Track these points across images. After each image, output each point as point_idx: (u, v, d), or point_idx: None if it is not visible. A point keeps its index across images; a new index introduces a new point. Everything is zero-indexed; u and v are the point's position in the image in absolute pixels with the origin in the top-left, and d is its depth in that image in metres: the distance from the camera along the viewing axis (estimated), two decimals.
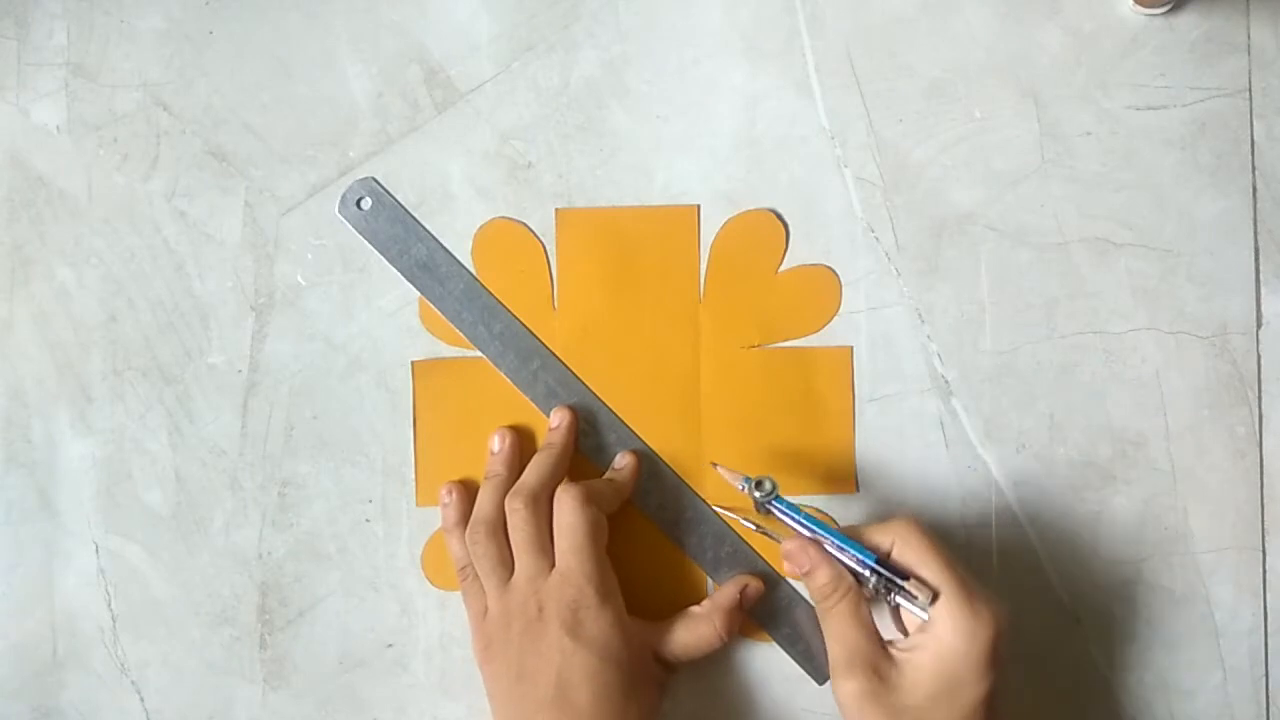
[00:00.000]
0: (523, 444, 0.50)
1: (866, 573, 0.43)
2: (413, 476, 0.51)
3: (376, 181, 0.51)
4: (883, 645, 0.43)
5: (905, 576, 0.42)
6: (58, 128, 0.52)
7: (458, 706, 0.50)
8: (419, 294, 0.51)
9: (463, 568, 0.49)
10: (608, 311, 0.51)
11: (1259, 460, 0.49)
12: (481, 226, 0.51)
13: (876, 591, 0.43)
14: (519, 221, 0.51)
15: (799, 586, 0.50)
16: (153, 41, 0.52)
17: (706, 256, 0.51)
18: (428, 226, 0.51)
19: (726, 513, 0.49)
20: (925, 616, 0.42)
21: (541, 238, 0.51)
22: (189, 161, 0.52)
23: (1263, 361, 0.49)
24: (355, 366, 0.51)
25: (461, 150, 0.51)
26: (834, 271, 0.50)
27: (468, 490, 0.50)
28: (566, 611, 0.45)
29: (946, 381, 0.50)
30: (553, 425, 0.50)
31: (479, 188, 0.51)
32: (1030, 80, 0.50)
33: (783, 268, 0.50)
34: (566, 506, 0.47)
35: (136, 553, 0.51)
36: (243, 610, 0.51)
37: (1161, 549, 0.49)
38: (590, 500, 0.47)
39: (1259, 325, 0.49)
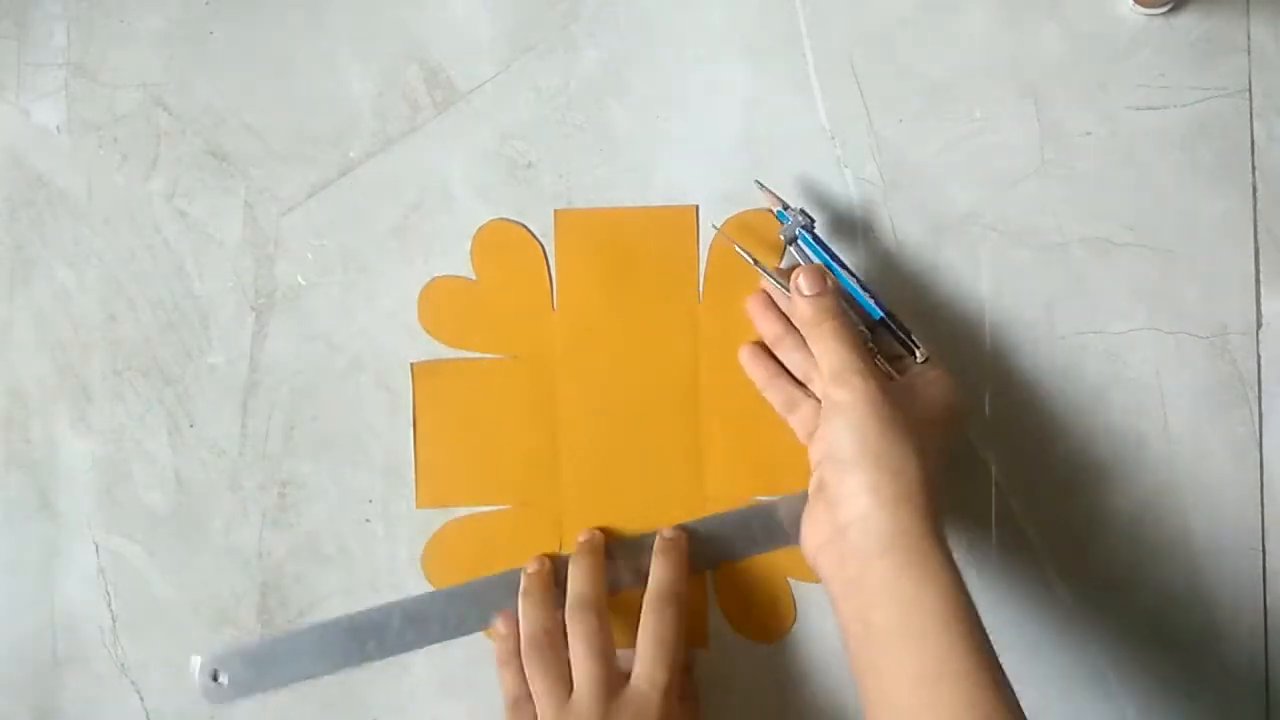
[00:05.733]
0: (558, 571, 0.49)
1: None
2: (413, 477, 0.51)
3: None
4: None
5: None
6: (58, 128, 0.52)
7: (458, 706, 0.50)
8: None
9: (515, 699, 0.47)
10: (607, 312, 0.51)
11: (1259, 460, 0.49)
12: (481, 228, 0.51)
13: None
14: (518, 223, 0.51)
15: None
16: (153, 41, 0.52)
17: (706, 256, 0.51)
18: (428, 226, 0.51)
19: (742, 253, 0.48)
20: (919, 359, 0.46)
21: (541, 238, 0.51)
22: (189, 161, 0.52)
23: (1263, 361, 0.49)
24: (355, 366, 0.51)
25: (461, 150, 0.51)
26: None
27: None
28: None
29: None
30: (581, 539, 0.49)
31: (479, 188, 0.51)
32: (1030, 80, 0.50)
33: (782, 268, 0.50)
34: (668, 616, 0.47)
35: (136, 553, 0.51)
36: (243, 610, 0.51)
37: (1161, 549, 0.49)
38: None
39: (1259, 325, 0.49)
